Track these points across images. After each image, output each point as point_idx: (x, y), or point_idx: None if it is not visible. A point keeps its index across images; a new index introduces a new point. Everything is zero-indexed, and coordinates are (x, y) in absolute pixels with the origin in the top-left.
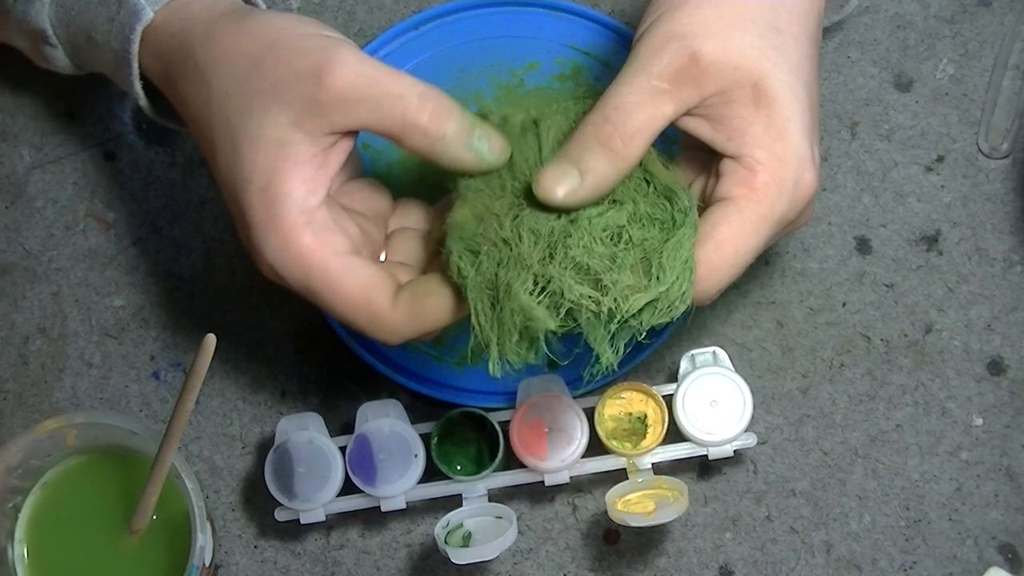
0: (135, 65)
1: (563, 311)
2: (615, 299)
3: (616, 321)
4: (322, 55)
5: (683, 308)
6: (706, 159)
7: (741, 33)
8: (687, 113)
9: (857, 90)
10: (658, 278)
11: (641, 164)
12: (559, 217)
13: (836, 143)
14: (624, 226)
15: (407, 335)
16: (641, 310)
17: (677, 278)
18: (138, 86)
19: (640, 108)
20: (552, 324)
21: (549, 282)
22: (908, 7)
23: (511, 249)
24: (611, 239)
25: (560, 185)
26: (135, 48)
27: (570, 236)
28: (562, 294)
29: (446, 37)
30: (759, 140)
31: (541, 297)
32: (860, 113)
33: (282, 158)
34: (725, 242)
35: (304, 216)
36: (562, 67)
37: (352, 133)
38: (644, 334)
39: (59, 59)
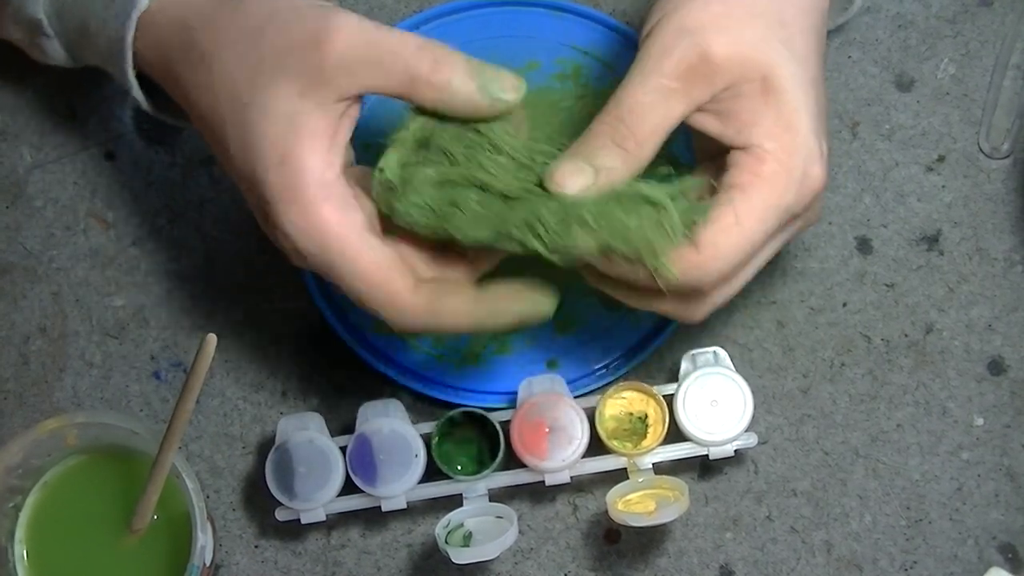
0: (129, 55)
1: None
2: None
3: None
4: (320, 22)
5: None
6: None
7: (751, 28)
8: (697, 109)
9: (858, 90)
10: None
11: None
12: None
13: (837, 143)
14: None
15: (420, 324)
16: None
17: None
18: (132, 76)
19: (653, 109)
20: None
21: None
22: (909, 7)
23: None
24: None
25: (574, 180)
26: (130, 37)
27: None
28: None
29: (446, 37)
30: (768, 131)
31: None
32: (861, 113)
33: (295, 131)
34: (731, 227)
35: (324, 190)
36: (562, 67)
37: (359, 99)
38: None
39: (55, 51)
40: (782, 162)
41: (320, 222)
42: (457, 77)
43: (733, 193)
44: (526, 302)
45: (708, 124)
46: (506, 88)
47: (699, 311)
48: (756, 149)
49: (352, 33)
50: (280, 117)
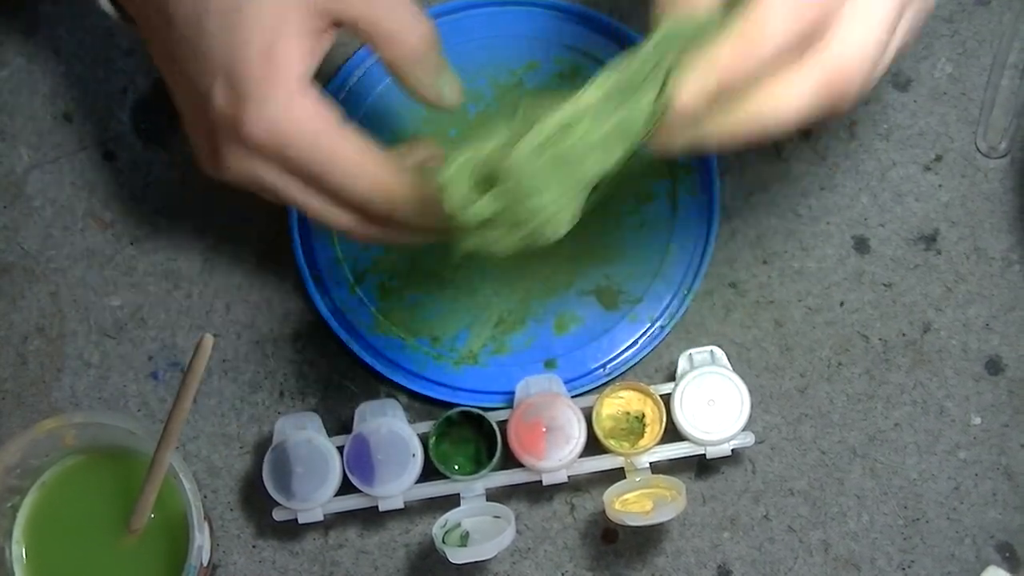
0: None
1: None
2: None
3: None
4: None
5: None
6: None
7: None
8: None
9: None
10: None
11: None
12: None
13: (834, 142)
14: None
15: (404, 197)
16: None
17: None
18: None
19: None
20: None
21: None
22: None
23: None
24: None
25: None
26: None
27: None
28: None
29: (445, 36)
30: None
31: None
32: (858, 112)
33: (283, 28)
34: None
35: (304, 84)
36: (561, 67)
37: (332, 29)
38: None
39: None
40: None
41: (306, 108)
42: (431, 60)
43: None
44: None
45: None
46: (452, 95)
47: (850, 73)
48: None
49: None
50: (268, 14)
